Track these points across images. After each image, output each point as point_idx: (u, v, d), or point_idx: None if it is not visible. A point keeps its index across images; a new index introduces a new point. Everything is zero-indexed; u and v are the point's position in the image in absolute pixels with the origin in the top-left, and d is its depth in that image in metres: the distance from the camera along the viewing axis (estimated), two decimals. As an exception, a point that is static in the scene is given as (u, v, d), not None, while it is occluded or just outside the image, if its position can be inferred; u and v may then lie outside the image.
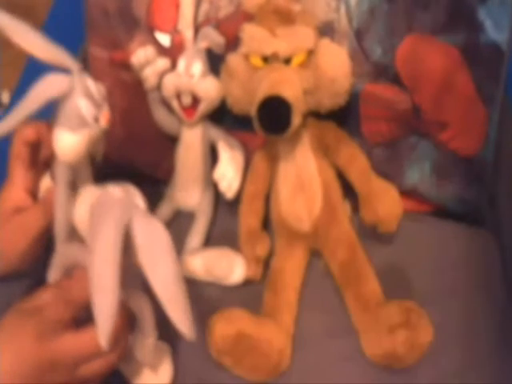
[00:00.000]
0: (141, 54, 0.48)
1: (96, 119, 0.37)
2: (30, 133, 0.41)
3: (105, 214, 0.33)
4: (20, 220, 0.40)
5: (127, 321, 0.37)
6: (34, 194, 0.42)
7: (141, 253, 0.32)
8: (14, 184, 0.41)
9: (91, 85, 0.37)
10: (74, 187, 0.40)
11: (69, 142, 0.36)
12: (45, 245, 0.42)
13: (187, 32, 0.50)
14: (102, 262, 0.31)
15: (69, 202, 0.38)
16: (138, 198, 0.35)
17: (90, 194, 0.36)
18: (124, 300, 0.37)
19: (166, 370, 0.43)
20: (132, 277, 0.33)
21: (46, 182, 0.43)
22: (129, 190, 0.35)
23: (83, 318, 0.34)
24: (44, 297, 0.35)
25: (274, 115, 0.42)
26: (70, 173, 0.39)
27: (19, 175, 0.41)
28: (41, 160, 0.43)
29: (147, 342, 0.39)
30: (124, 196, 0.34)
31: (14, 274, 0.42)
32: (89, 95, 0.36)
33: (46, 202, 0.40)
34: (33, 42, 0.36)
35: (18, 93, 0.60)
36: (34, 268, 0.42)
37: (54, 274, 0.39)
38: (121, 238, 0.31)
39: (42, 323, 0.33)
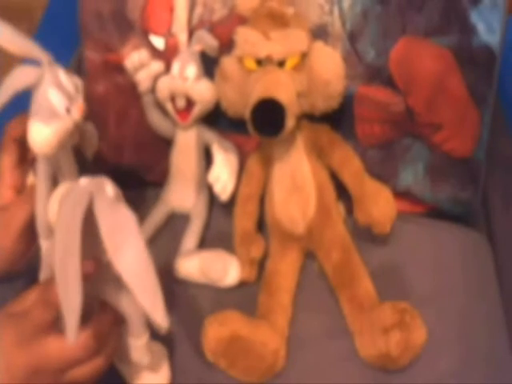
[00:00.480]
0: (135, 57, 0.48)
1: (68, 110, 0.37)
2: (17, 128, 0.41)
3: (65, 204, 0.32)
4: (3, 216, 0.40)
5: (114, 322, 0.36)
6: (21, 191, 0.42)
7: (104, 238, 0.30)
8: (1, 182, 0.41)
9: (63, 76, 0.37)
10: (57, 182, 0.40)
11: (41, 134, 0.35)
12: (35, 244, 0.42)
13: (181, 35, 0.50)
14: (61, 251, 0.30)
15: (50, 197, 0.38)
16: (108, 188, 0.33)
17: (61, 190, 0.35)
18: (109, 299, 0.36)
19: (163, 370, 0.43)
20: (115, 276, 0.32)
21: (31, 178, 0.43)
22: (100, 181, 0.34)
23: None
24: (29, 299, 0.35)
25: (268, 118, 0.42)
26: (51, 167, 0.39)
27: (7, 173, 0.41)
28: (29, 157, 0.43)
29: (139, 343, 0.38)
30: (89, 185, 0.33)
31: (5, 275, 0.42)
32: (60, 86, 0.36)
33: (27, 195, 0.40)
34: (1, 34, 0.35)
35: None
36: (25, 269, 0.42)
37: (43, 274, 0.39)
38: (78, 225, 0.30)
39: (25, 327, 0.33)
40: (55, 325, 0.34)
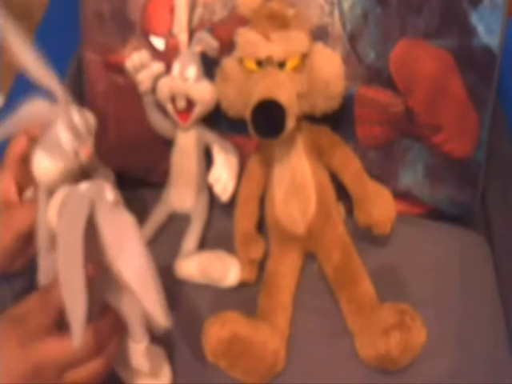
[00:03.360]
0: (135, 58, 0.48)
1: (76, 153, 0.37)
2: (21, 143, 0.41)
3: (66, 210, 0.32)
4: (6, 216, 0.40)
5: (115, 325, 0.36)
6: (23, 186, 0.42)
7: (106, 244, 0.31)
8: (4, 176, 0.41)
9: (77, 117, 0.38)
10: None
11: (44, 167, 0.36)
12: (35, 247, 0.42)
13: (182, 36, 0.50)
14: (65, 259, 0.31)
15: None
16: (107, 192, 0.34)
17: (61, 194, 0.35)
18: (111, 303, 0.36)
19: (165, 373, 0.43)
20: (116, 279, 0.33)
21: (29, 193, 0.43)
22: (100, 185, 0.34)
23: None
24: (30, 303, 0.35)
25: (268, 119, 0.42)
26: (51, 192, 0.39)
27: (12, 167, 0.41)
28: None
29: (139, 347, 0.38)
30: (89, 190, 0.33)
31: (3, 274, 0.42)
32: (72, 128, 0.37)
33: (32, 202, 0.40)
34: (28, 58, 0.36)
35: (12, 96, 0.60)
36: (24, 270, 0.42)
37: (42, 279, 0.39)
38: (80, 234, 0.31)
39: (25, 330, 0.33)
40: (54, 327, 0.34)
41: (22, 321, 0.34)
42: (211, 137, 0.50)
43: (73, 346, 0.31)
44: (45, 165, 0.36)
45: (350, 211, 0.49)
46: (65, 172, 0.37)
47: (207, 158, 0.51)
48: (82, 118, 0.38)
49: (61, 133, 0.36)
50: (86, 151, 0.38)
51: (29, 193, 0.43)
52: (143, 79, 0.49)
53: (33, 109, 0.37)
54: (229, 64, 0.47)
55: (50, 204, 0.35)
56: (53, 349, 0.33)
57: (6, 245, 0.40)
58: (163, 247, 0.51)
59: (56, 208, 0.34)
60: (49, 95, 0.37)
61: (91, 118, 0.40)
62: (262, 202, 0.50)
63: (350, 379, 0.44)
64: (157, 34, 0.50)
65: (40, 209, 0.38)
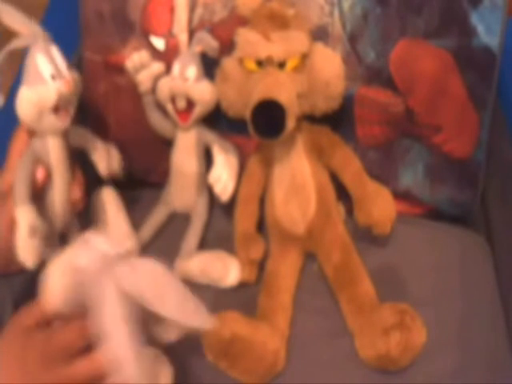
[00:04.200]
0: (135, 58, 0.48)
1: (54, 77, 0.38)
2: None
3: (100, 288, 0.31)
4: (4, 207, 0.40)
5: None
6: None
7: (146, 300, 0.32)
8: (8, 168, 0.41)
9: (56, 52, 0.39)
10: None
11: (22, 96, 0.37)
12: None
13: (182, 36, 0.50)
14: (117, 344, 0.31)
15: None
16: (104, 244, 0.32)
17: (61, 262, 0.32)
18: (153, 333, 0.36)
19: (165, 374, 0.42)
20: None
21: None
22: (94, 241, 0.32)
23: None
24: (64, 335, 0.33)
25: (269, 119, 0.42)
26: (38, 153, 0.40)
27: (14, 158, 0.41)
28: None
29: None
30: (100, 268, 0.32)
31: (4, 274, 0.42)
32: (49, 55, 0.38)
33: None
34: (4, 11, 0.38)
35: (12, 96, 0.60)
36: (25, 271, 0.42)
37: None
38: (125, 312, 0.31)
39: (50, 349, 0.32)
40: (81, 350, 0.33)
41: (45, 338, 0.32)
42: (211, 137, 0.50)
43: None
44: (23, 94, 0.37)
45: (350, 211, 0.49)
46: (43, 99, 0.38)
47: (207, 158, 0.51)
48: (62, 58, 0.39)
49: (37, 55, 0.38)
50: (66, 81, 0.39)
51: None
52: (143, 79, 0.49)
53: (15, 39, 0.38)
54: (229, 64, 0.47)
55: (49, 273, 0.32)
56: (78, 371, 0.32)
57: (2, 236, 0.40)
58: (163, 247, 0.51)
59: (57, 277, 0.32)
60: None
61: (76, 77, 0.41)
62: (262, 202, 0.50)
63: (350, 379, 0.44)
64: (157, 34, 0.50)
65: (21, 166, 0.39)
